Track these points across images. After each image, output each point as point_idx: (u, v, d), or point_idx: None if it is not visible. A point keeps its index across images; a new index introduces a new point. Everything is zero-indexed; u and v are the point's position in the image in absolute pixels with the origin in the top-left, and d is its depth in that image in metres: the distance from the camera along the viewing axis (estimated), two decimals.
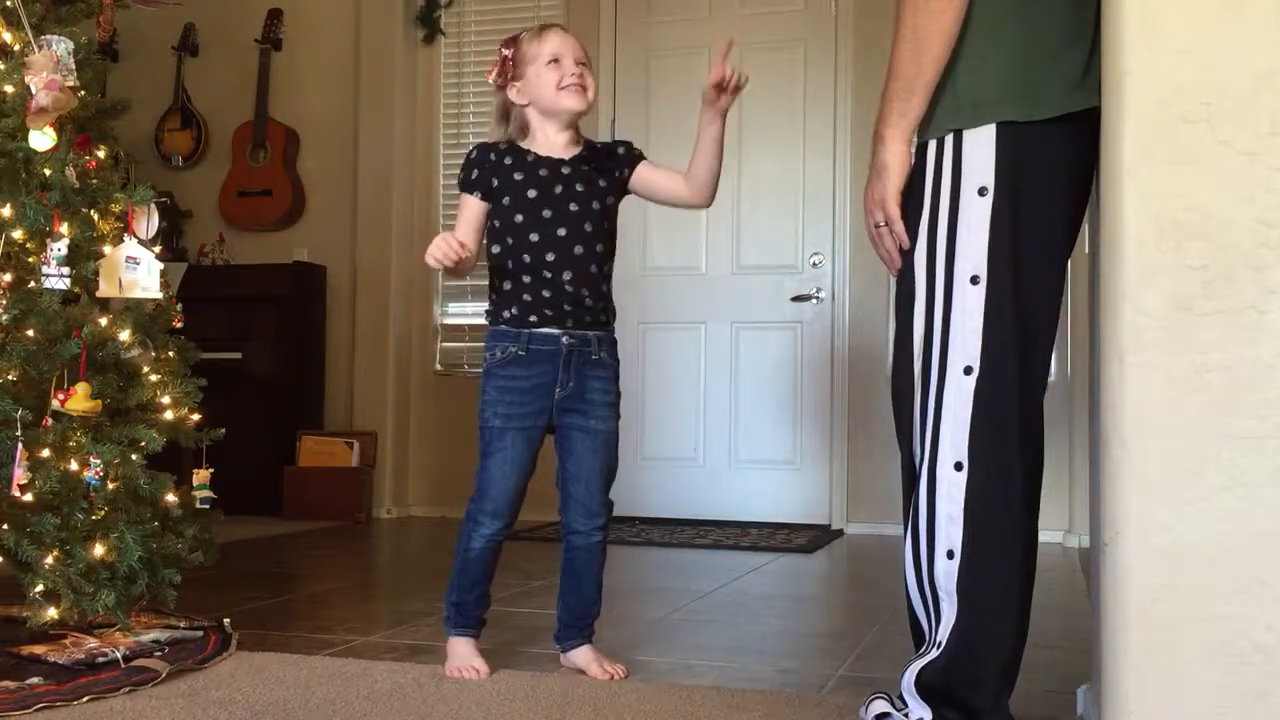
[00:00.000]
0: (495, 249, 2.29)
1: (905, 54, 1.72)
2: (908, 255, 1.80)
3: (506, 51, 2.33)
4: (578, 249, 2.25)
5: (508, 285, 2.28)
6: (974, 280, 1.71)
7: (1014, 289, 1.70)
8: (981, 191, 1.71)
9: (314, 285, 5.43)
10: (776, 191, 5.06)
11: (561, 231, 2.25)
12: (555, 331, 2.25)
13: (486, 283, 2.35)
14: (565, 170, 2.29)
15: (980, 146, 1.72)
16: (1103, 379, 1.58)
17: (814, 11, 5.07)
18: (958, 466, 1.71)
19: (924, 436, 1.75)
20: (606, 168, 2.33)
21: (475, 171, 2.30)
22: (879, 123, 1.78)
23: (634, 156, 2.37)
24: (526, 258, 2.24)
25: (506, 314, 2.27)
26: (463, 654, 2.31)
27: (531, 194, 2.26)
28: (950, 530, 1.71)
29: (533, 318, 2.25)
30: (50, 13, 2.52)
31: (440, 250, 2.15)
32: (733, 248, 5.12)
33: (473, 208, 2.31)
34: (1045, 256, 1.74)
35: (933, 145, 1.77)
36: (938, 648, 1.74)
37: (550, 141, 2.31)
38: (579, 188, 2.28)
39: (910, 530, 1.77)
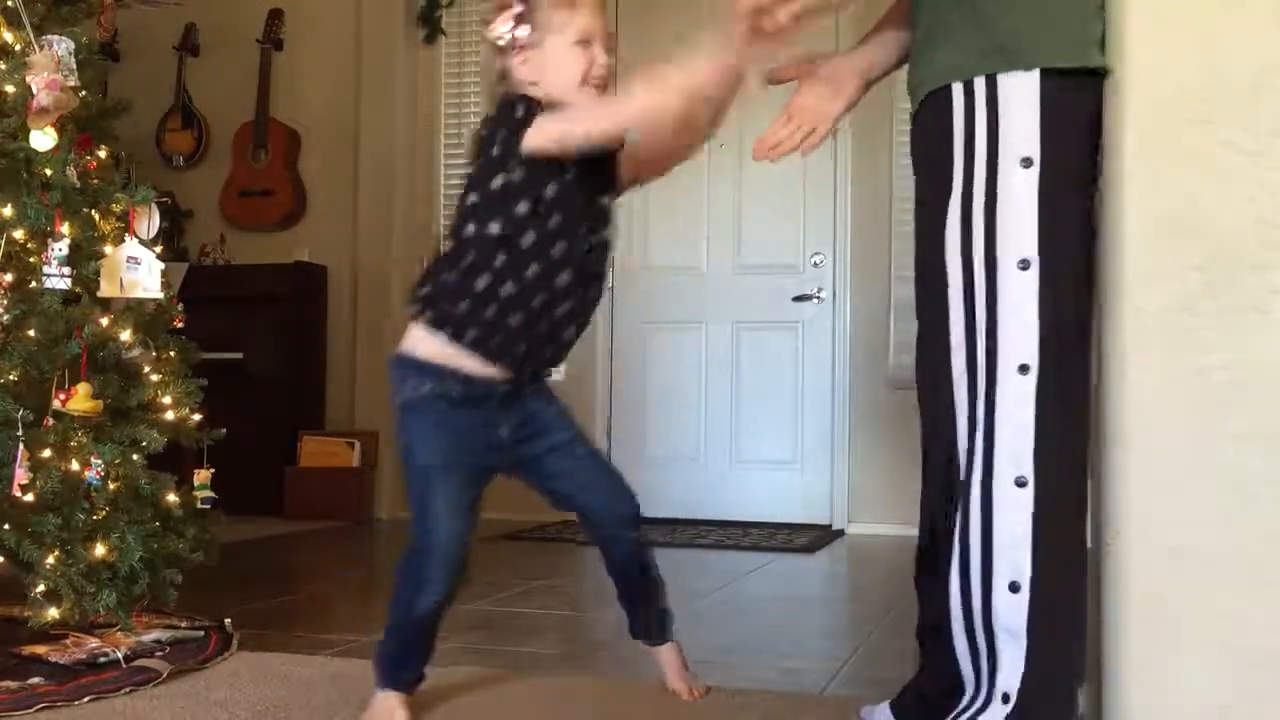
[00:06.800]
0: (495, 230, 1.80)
1: None
2: (933, 238, 1.56)
3: (520, 6, 1.87)
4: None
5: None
6: (1023, 265, 1.48)
7: (1072, 273, 1.50)
8: (1026, 162, 1.48)
9: (315, 285, 5.43)
10: (777, 191, 5.06)
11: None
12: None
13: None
14: None
15: (1023, 107, 1.49)
16: (1103, 379, 1.58)
17: None
18: (1020, 482, 1.47)
19: (972, 447, 1.51)
20: None
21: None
22: None
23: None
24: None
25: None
26: (385, 711, 1.93)
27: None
28: (1014, 557, 1.46)
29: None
30: (51, 13, 2.52)
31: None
32: (733, 247, 5.12)
33: None
34: (1088, 234, 1.55)
35: (959, 95, 1.53)
36: (1004, 701, 1.48)
37: None
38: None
39: (958, 557, 1.51)
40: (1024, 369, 1.49)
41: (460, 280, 1.82)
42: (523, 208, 1.78)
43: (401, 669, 1.96)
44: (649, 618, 2.12)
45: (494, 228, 1.79)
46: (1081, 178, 1.54)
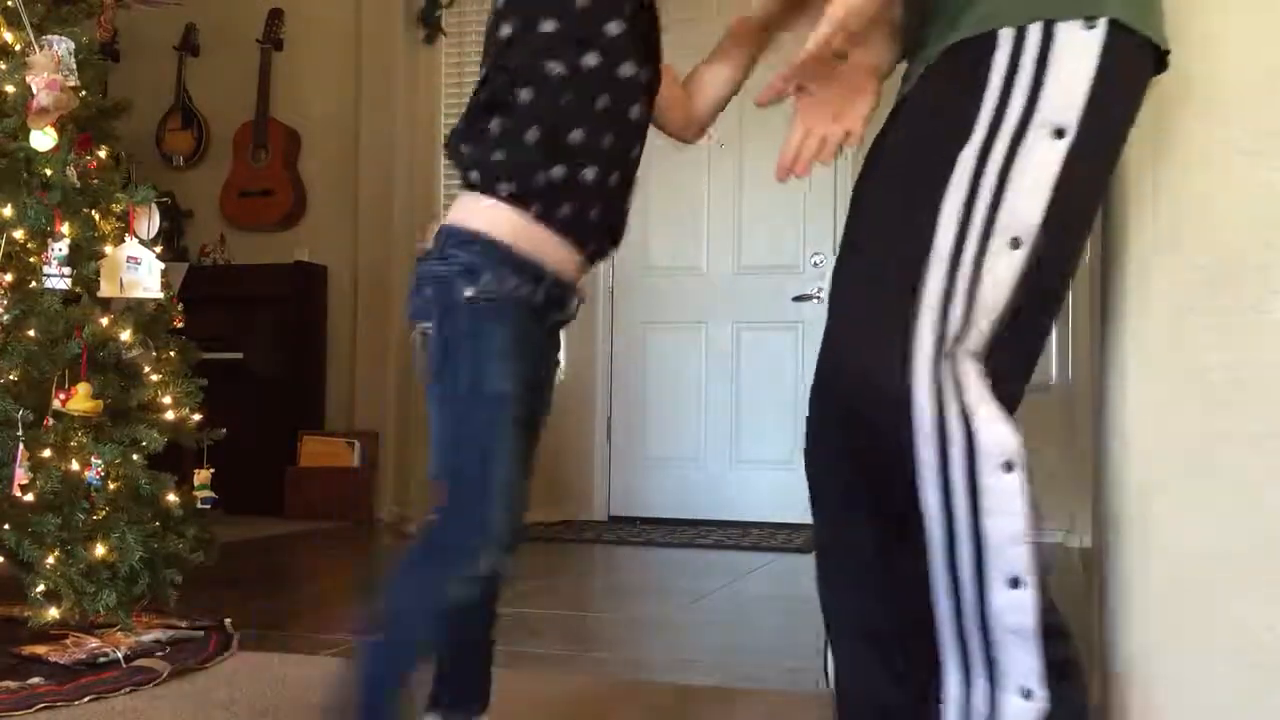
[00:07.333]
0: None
1: None
2: (923, 194, 1.36)
3: None
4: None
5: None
6: (1015, 244, 1.31)
7: (1061, 260, 1.36)
8: (1059, 133, 1.30)
9: (315, 285, 5.43)
10: (777, 191, 5.05)
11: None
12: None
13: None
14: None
15: (1074, 66, 1.30)
16: (1104, 379, 1.58)
17: None
18: (1007, 467, 1.33)
19: (946, 433, 1.36)
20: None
21: None
22: None
23: None
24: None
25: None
26: None
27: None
28: (1012, 553, 1.33)
29: None
30: (51, 13, 2.52)
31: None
32: (734, 247, 5.12)
33: None
34: (1090, 221, 1.40)
35: (1006, 41, 1.31)
36: (1026, 697, 1.36)
37: None
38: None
39: (944, 554, 1.38)
40: (987, 354, 1.34)
41: (550, 135, 1.37)
42: (614, 26, 1.39)
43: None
44: (483, 672, 1.58)
45: (590, 59, 1.37)
46: (1111, 160, 1.40)
